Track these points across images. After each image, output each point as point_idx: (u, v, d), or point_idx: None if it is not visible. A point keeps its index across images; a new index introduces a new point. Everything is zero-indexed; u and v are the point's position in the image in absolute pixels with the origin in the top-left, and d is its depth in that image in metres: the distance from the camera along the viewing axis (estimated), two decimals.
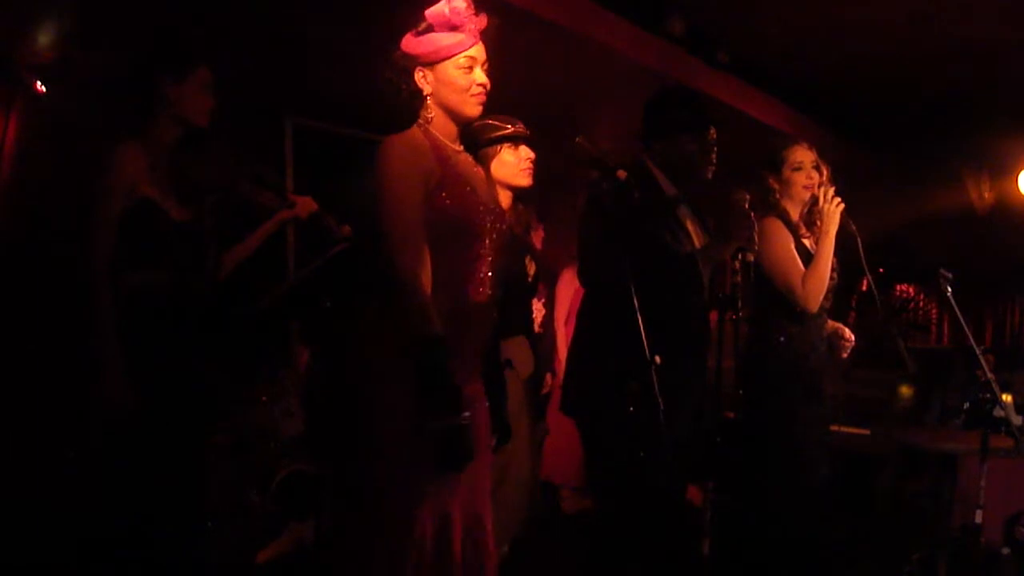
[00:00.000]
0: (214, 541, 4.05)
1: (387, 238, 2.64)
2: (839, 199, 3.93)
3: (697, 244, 3.60)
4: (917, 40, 5.83)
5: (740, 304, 3.36)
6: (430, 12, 2.76)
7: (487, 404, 3.02)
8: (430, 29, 2.77)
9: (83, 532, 3.61)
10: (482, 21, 2.82)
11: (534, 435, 4.44)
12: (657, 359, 2.84)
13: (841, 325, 4.19)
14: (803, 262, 3.94)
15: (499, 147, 3.78)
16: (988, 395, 4.23)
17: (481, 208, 2.81)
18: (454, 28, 2.76)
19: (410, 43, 2.79)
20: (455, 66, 2.77)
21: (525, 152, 3.82)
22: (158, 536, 3.34)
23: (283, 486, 4.58)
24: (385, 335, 2.71)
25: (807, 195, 4.04)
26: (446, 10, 2.74)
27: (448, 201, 2.72)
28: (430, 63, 2.77)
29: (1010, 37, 5.68)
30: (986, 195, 8.07)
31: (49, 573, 3.83)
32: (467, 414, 2.61)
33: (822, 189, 3.98)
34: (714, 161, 3.63)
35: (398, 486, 2.70)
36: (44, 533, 3.82)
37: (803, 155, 4.06)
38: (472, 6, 2.79)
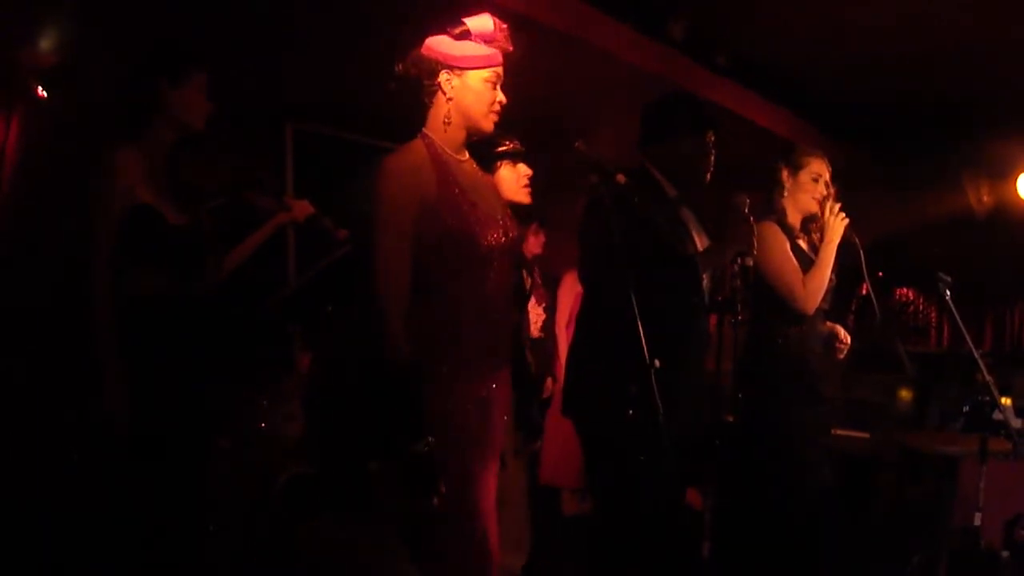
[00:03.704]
0: (215, 544, 4.05)
1: (372, 260, 2.68)
2: (844, 214, 3.95)
3: (699, 247, 3.61)
4: (916, 43, 5.84)
5: (739, 308, 3.37)
6: (472, 20, 2.79)
7: (506, 408, 3.04)
8: (467, 36, 2.79)
9: (85, 534, 3.62)
10: (509, 47, 2.85)
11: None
12: (656, 363, 2.85)
13: (837, 326, 4.19)
14: (799, 264, 3.96)
15: (497, 164, 3.80)
16: (987, 398, 4.23)
17: (483, 218, 2.83)
18: (488, 42, 2.79)
19: (442, 43, 2.80)
20: (482, 78, 2.80)
21: (523, 169, 3.84)
22: (159, 539, 3.34)
23: (284, 489, 4.58)
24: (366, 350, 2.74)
25: (814, 207, 4.06)
26: (491, 24, 2.78)
27: (447, 215, 2.74)
28: (459, 68, 2.79)
29: (1008, 40, 5.69)
30: (985, 198, 8.07)
31: (51, 575, 3.84)
32: (431, 439, 2.61)
33: (828, 203, 4.00)
34: (712, 164, 3.65)
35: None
36: (46, 535, 3.83)
37: (823, 168, 4.08)
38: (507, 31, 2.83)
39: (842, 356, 4.19)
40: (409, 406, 2.62)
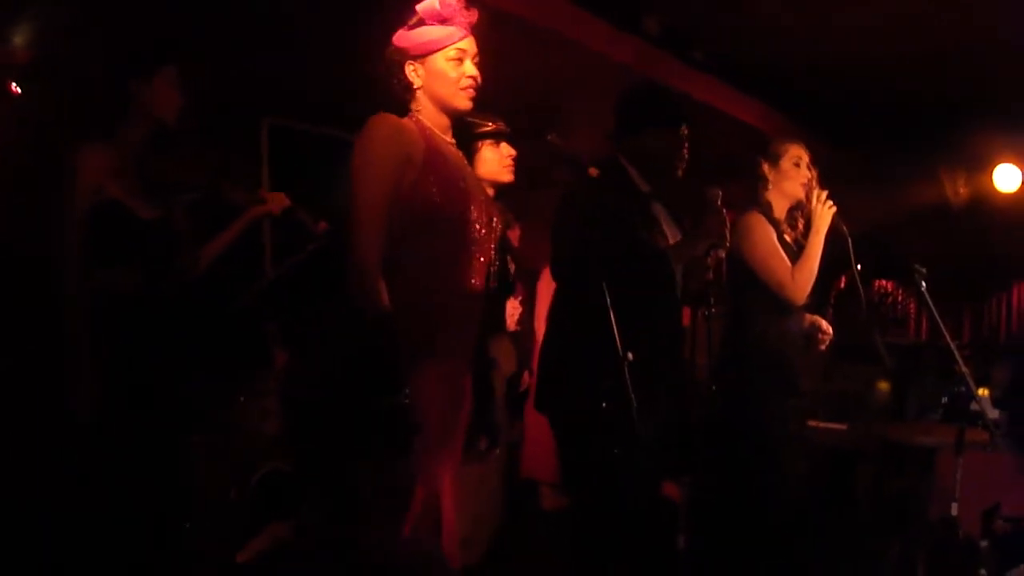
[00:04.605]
0: (192, 541, 4.04)
1: (352, 213, 2.66)
2: (831, 202, 3.95)
3: (671, 241, 3.61)
4: (892, 38, 5.85)
5: (712, 300, 3.38)
6: (421, 6, 2.79)
7: (472, 398, 3.03)
8: (421, 23, 2.80)
9: (59, 533, 3.60)
10: (473, 15, 2.85)
11: (508, 436, 4.44)
12: (630, 356, 2.85)
13: (818, 317, 4.20)
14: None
15: (479, 144, 3.80)
16: (963, 389, 4.25)
17: (470, 197, 2.83)
18: (444, 21, 2.79)
19: (401, 37, 2.82)
20: (445, 58, 2.80)
21: (506, 149, 3.85)
22: (136, 537, 3.34)
23: (261, 486, 4.58)
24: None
25: (800, 193, 4.07)
26: (436, 3, 2.77)
27: (435, 188, 2.73)
28: (420, 56, 2.80)
29: (983, 36, 5.71)
30: (961, 191, 8.08)
31: (25, 574, 3.82)
32: (407, 391, 2.59)
33: (815, 191, 4.01)
34: (685, 158, 3.65)
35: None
36: (20, 534, 3.81)
37: (801, 153, 4.10)
38: (463, 0, 2.81)
39: (824, 347, 4.20)
40: (385, 357, 2.60)
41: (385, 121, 2.73)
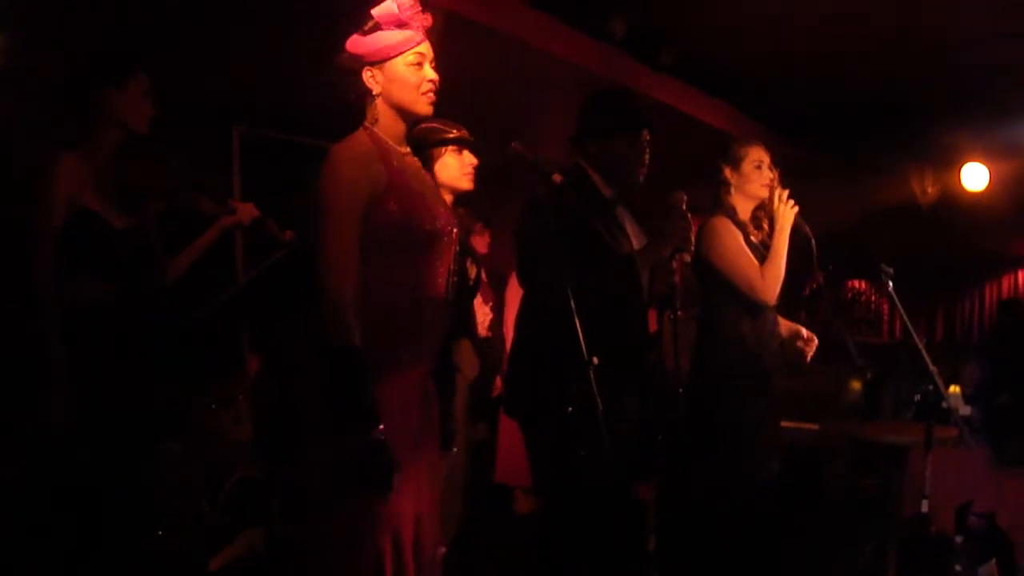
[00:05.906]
0: (164, 549, 4.04)
1: (319, 248, 2.63)
2: (793, 201, 3.97)
3: (635, 245, 3.63)
4: (858, 38, 5.89)
5: (678, 304, 3.39)
6: (377, 10, 2.73)
7: (437, 406, 3.02)
8: (377, 27, 2.74)
9: (33, 540, 3.60)
10: (428, 19, 2.80)
11: (470, 436, 4.44)
12: (595, 360, 2.86)
13: (800, 327, 4.19)
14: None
15: (442, 151, 3.79)
16: (931, 387, 4.28)
17: (430, 211, 2.81)
18: (402, 25, 2.74)
19: (357, 43, 2.76)
20: (405, 63, 2.74)
21: (468, 157, 3.84)
22: (107, 546, 3.34)
23: (233, 493, 4.58)
24: (316, 341, 2.69)
25: (763, 194, 4.06)
26: (394, 7, 2.71)
27: (396, 206, 2.71)
28: (379, 62, 2.74)
29: (949, 33, 5.76)
30: (929, 189, 8.13)
31: None
32: (382, 428, 2.56)
33: (777, 191, 4.02)
34: (647, 162, 3.66)
35: (348, 501, 2.66)
36: None
37: (762, 154, 4.09)
38: (419, 3, 2.78)
39: (810, 357, 4.20)
40: (357, 392, 2.57)
41: (345, 151, 2.71)
